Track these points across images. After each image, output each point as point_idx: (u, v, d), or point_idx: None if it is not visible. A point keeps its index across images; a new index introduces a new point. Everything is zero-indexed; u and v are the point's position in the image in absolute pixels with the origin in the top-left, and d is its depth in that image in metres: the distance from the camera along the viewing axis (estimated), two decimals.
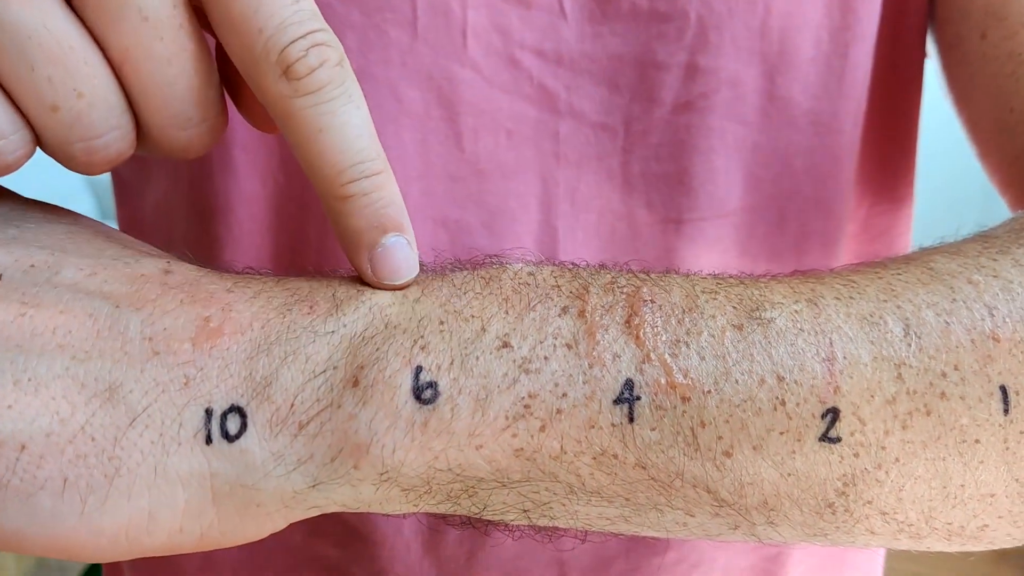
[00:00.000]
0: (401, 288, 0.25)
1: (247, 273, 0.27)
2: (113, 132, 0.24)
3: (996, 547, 0.27)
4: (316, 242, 0.42)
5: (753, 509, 0.25)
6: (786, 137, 0.42)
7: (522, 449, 0.24)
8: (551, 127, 0.41)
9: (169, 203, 0.46)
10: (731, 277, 0.27)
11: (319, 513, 0.24)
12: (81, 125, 0.24)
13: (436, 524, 0.42)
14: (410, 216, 0.41)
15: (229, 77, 0.27)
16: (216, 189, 0.42)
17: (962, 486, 0.25)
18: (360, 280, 0.26)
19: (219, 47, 0.26)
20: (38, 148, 0.25)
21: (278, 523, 0.24)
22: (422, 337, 0.24)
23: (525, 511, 0.25)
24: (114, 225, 0.51)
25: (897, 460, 0.24)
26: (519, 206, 0.42)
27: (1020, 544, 0.27)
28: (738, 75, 0.41)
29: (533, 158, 0.41)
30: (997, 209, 0.40)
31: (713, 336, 0.24)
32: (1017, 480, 0.25)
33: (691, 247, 0.42)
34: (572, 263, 0.27)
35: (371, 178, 0.25)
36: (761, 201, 0.43)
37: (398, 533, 0.42)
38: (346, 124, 0.24)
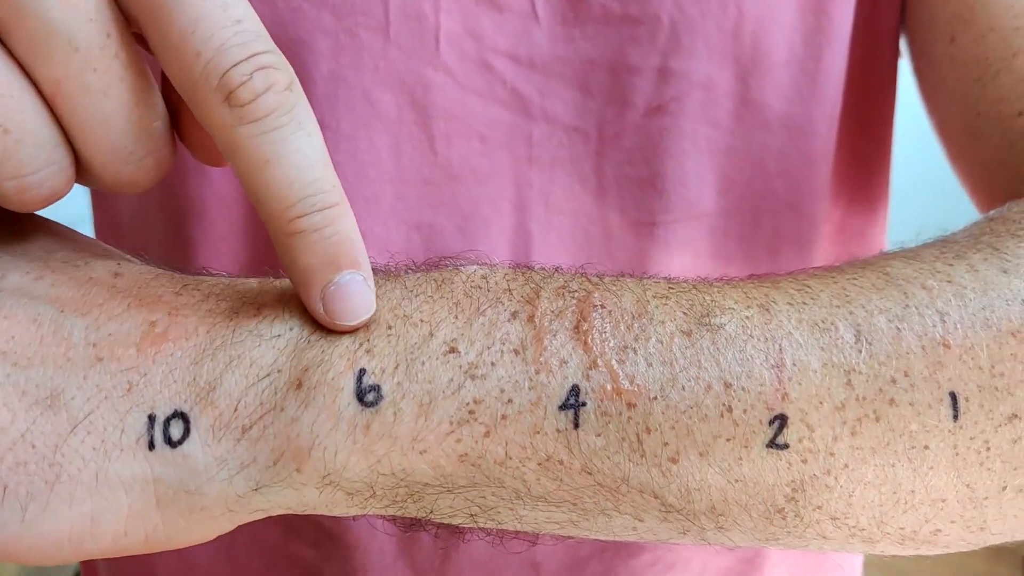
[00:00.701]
0: (355, 329, 0.24)
1: (201, 275, 0.27)
2: (46, 169, 0.23)
3: (952, 551, 0.27)
4: None
5: (701, 514, 0.25)
6: (759, 140, 0.42)
7: (466, 455, 0.24)
8: (524, 131, 0.41)
9: (145, 206, 0.46)
10: (686, 282, 0.27)
11: (264, 516, 0.24)
12: (10, 163, 0.22)
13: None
14: (384, 220, 0.41)
15: (172, 104, 0.26)
16: (191, 192, 0.42)
17: (912, 492, 0.25)
18: None
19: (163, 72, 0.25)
20: None
21: (224, 525, 0.24)
22: (368, 341, 0.24)
23: (472, 515, 0.25)
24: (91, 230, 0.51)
25: (846, 466, 0.24)
26: (493, 210, 0.42)
27: (976, 548, 0.27)
28: (711, 78, 0.41)
29: (506, 162, 0.41)
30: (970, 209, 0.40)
31: (661, 342, 0.24)
32: (968, 486, 0.25)
33: (664, 250, 0.42)
34: (527, 266, 0.27)
35: (324, 212, 0.23)
36: (734, 204, 0.43)
37: (372, 535, 0.42)
38: (295, 154, 0.23)
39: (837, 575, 0.52)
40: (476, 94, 0.41)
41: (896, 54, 0.44)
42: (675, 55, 0.41)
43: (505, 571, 0.43)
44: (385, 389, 0.23)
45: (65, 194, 0.24)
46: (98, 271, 0.25)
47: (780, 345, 0.25)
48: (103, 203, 0.49)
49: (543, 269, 0.27)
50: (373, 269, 0.26)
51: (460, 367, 0.24)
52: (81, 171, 0.24)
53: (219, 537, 0.25)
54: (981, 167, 0.38)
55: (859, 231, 0.47)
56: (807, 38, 0.41)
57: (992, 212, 0.30)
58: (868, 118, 0.45)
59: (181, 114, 0.26)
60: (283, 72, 0.23)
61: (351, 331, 0.24)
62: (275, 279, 0.26)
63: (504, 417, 0.24)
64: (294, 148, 0.23)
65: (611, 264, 0.43)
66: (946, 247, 0.28)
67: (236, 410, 0.23)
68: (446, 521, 0.26)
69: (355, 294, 0.24)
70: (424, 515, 0.25)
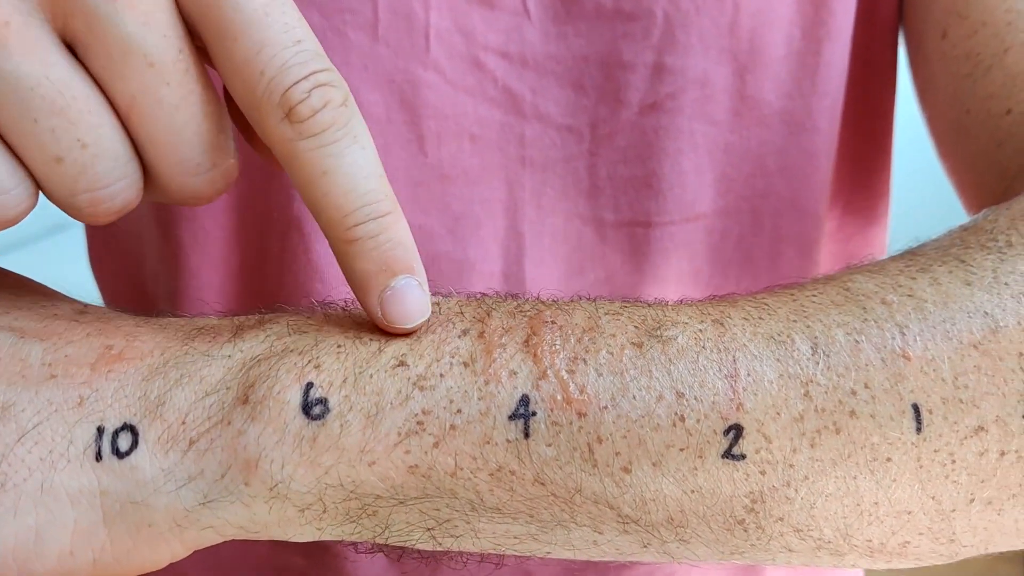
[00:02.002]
0: (412, 332, 0.25)
1: (165, 316, 0.27)
2: (120, 182, 0.24)
3: (925, 564, 0.27)
4: (278, 251, 0.41)
5: (660, 526, 0.25)
6: (758, 137, 0.41)
7: (416, 466, 0.24)
8: (516, 130, 0.40)
9: (137, 210, 0.45)
10: (640, 302, 0.27)
11: (218, 539, 0.24)
12: (86, 177, 0.23)
13: None
14: None
15: (238, 114, 0.26)
16: None
17: (876, 504, 0.25)
18: (273, 314, 0.26)
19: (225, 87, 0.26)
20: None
21: (174, 547, 0.24)
22: (316, 358, 0.24)
23: (429, 530, 0.25)
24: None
25: (806, 478, 0.24)
26: (484, 211, 0.41)
27: (951, 560, 0.26)
28: (707, 74, 0.40)
29: (498, 162, 0.41)
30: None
31: (611, 353, 0.24)
32: (933, 498, 0.25)
33: (661, 252, 0.41)
34: (481, 293, 0.27)
35: (378, 220, 0.24)
36: (733, 203, 0.42)
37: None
38: (351, 165, 0.24)
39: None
40: (467, 93, 0.40)
41: (896, 49, 0.43)
42: (670, 51, 0.39)
43: None
44: (332, 402, 0.23)
45: (134, 207, 0.25)
46: (63, 308, 0.26)
47: (734, 356, 0.24)
48: None
49: (498, 295, 0.27)
50: (328, 302, 0.27)
51: (408, 379, 0.24)
52: (148, 184, 0.25)
53: (207, 549, 0.25)
54: (968, 165, 0.37)
55: (859, 230, 0.46)
56: (806, 32, 0.40)
57: (967, 221, 0.29)
58: (869, 114, 0.44)
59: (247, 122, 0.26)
60: (339, 89, 0.24)
61: (407, 334, 0.25)
62: (241, 316, 0.27)
63: (453, 427, 0.23)
64: (349, 160, 0.24)
65: (604, 268, 0.42)
66: (912, 260, 0.27)
67: (184, 423, 0.23)
68: (404, 540, 0.25)
69: (410, 298, 0.25)
70: (380, 532, 0.25)
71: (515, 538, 0.25)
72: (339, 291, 0.40)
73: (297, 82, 0.23)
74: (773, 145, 0.41)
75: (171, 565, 0.35)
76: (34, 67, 0.22)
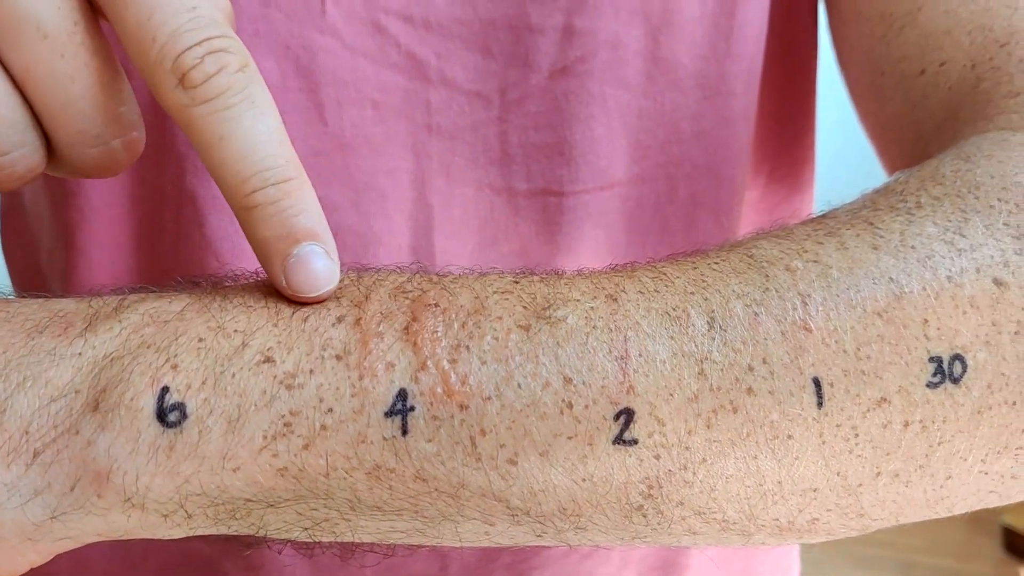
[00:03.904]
0: (320, 300, 0.24)
1: (40, 295, 0.25)
2: (20, 150, 0.24)
3: (838, 537, 0.26)
4: (172, 226, 0.39)
5: (552, 516, 0.23)
6: (672, 101, 0.40)
7: (286, 468, 0.22)
8: (421, 97, 0.39)
9: (35, 186, 0.43)
10: (534, 275, 0.25)
11: (76, 544, 0.23)
12: None
13: None
14: None
15: None
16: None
17: (779, 483, 0.24)
18: (130, 294, 0.25)
19: None
20: None
21: (31, 557, 0.22)
22: (175, 355, 0.22)
23: (306, 529, 0.24)
24: None
25: (704, 460, 0.23)
26: (389, 182, 0.39)
27: (862, 533, 0.26)
28: (618, 36, 0.38)
29: (403, 130, 0.39)
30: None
31: (497, 339, 0.23)
32: (838, 474, 0.24)
33: (575, 222, 0.40)
34: (364, 267, 0.26)
35: (278, 185, 0.23)
36: (648, 170, 0.40)
37: None
38: (249, 130, 0.23)
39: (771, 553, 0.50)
40: (367, 58, 0.38)
41: (816, 12, 0.42)
42: (579, 13, 0.38)
43: (411, 566, 0.41)
44: (190, 407, 0.22)
45: (38, 174, 0.25)
46: None
47: (625, 336, 0.23)
48: None
49: (380, 270, 0.26)
50: (193, 282, 0.26)
51: (275, 377, 0.22)
52: (52, 156, 0.25)
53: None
54: (885, 127, 0.36)
55: (784, 198, 0.45)
56: None
57: (881, 184, 0.28)
58: (789, 78, 0.43)
59: None
60: (236, 55, 0.23)
61: (316, 303, 0.24)
62: (103, 297, 0.25)
63: (324, 428, 0.22)
64: (247, 125, 0.23)
65: (517, 239, 0.40)
66: (821, 224, 0.26)
67: (27, 433, 0.22)
68: (283, 537, 0.24)
69: (315, 265, 0.24)
70: (256, 531, 0.24)
71: (401, 533, 0.24)
72: (234, 267, 0.39)
73: (190, 47, 0.23)
74: (688, 110, 0.40)
75: (73, 555, 0.34)
76: None
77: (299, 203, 0.24)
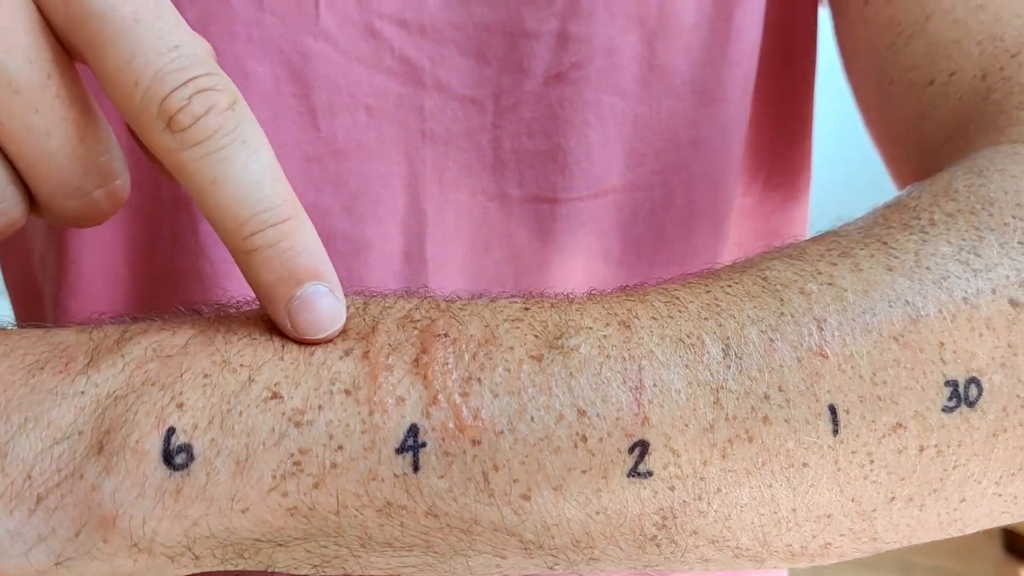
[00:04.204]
0: (327, 341, 0.23)
1: (39, 325, 0.25)
2: (1, 205, 0.23)
3: (848, 559, 0.25)
4: (166, 231, 0.39)
5: (566, 549, 0.23)
6: (668, 108, 0.39)
7: (295, 508, 0.22)
8: (415, 102, 0.39)
9: None
10: (545, 300, 0.25)
11: None
12: None
13: None
14: None
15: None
16: None
17: (794, 510, 0.23)
18: (131, 324, 0.24)
19: None
20: None
21: None
22: (181, 393, 0.22)
23: (316, 566, 0.23)
24: None
25: (719, 490, 0.23)
26: (382, 187, 0.39)
27: (873, 554, 0.25)
28: (614, 42, 0.38)
29: (396, 136, 0.39)
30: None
31: (509, 370, 0.22)
32: (853, 500, 0.23)
33: (568, 229, 0.40)
34: (370, 292, 0.25)
35: (276, 227, 0.22)
36: (644, 178, 0.40)
37: None
38: (242, 172, 0.22)
39: None
40: (361, 63, 0.38)
41: (815, 18, 0.42)
42: (574, 18, 0.38)
43: None
44: (197, 448, 0.21)
45: (20, 225, 0.24)
46: None
47: (640, 365, 0.22)
48: None
49: (387, 297, 0.25)
50: (195, 310, 0.25)
51: (283, 414, 0.22)
52: (35, 206, 0.24)
53: None
54: (894, 137, 0.35)
55: (780, 206, 0.45)
56: None
57: (891, 199, 0.28)
58: (786, 85, 0.42)
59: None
60: (224, 93, 0.22)
61: (324, 343, 0.23)
62: (103, 327, 0.24)
63: (334, 466, 0.22)
64: (240, 166, 0.22)
65: (510, 246, 0.40)
66: (834, 243, 0.26)
67: (29, 477, 0.21)
68: (292, 573, 0.24)
69: (319, 306, 0.23)
70: (267, 568, 0.23)
71: (412, 568, 0.24)
72: (225, 270, 0.39)
73: (175, 89, 0.22)
74: (684, 117, 0.40)
75: None
76: None
77: (299, 243, 0.23)
